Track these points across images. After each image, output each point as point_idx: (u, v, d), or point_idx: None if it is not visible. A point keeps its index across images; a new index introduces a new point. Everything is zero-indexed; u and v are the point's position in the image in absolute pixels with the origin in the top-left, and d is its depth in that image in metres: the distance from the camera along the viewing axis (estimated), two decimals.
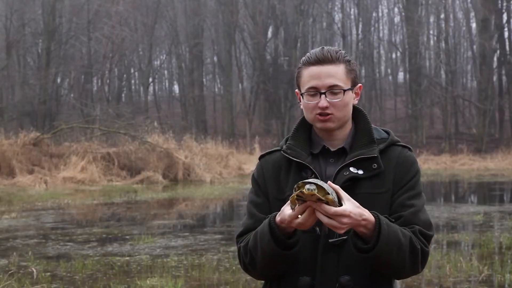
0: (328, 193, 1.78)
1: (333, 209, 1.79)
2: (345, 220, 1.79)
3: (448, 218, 11.33)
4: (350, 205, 1.81)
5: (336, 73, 2.00)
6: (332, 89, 1.99)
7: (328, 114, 2.00)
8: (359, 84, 2.08)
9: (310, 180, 1.80)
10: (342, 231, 1.83)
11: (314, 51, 2.04)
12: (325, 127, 2.02)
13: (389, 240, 1.85)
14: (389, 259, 1.86)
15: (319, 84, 2.00)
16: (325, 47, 2.04)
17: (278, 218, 1.89)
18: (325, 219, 1.80)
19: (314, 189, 1.76)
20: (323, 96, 1.99)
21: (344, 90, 2.00)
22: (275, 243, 1.89)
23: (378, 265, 1.89)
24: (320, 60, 2.00)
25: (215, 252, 8.34)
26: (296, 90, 2.09)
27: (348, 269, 1.93)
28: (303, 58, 2.06)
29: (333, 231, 1.94)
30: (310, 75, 2.01)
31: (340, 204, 1.81)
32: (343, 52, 2.04)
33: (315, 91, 2.01)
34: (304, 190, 1.76)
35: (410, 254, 1.90)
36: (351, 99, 2.04)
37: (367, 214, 1.84)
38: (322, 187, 1.77)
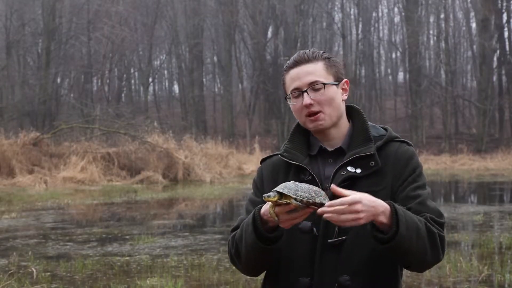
0: (294, 198, 1.77)
1: (338, 200, 1.76)
2: (358, 206, 1.76)
3: (448, 218, 11.33)
4: (358, 194, 1.79)
5: (314, 70, 2.02)
6: (313, 86, 2.01)
7: (316, 113, 2.01)
8: (345, 79, 2.09)
9: (279, 188, 1.80)
10: (362, 221, 1.78)
11: (293, 56, 2.08)
12: (316, 126, 2.03)
13: (408, 225, 1.83)
14: (411, 245, 1.84)
15: (299, 84, 2.02)
16: (302, 50, 2.08)
17: (263, 210, 1.90)
18: (339, 218, 1.76)
19: (269, 196, 1.78)
20: (305, 94, 2.01)
21: (325, 84, 2.01)
22: (256, 235, 1.89)
23: (401, 254, 1.86)
24: (298, 62, 2.04)
25: (215, 252, 8.34)
26: (286, 100, 2.11)
27: (347, 269, 1.93)
28: (284, 66, 2.10)
29: (332, 232, 1.94)
30: (291, 78, 2.05)
31: (321, 205, 1.79)
32: (322, 51, 2.07)
33: (298, 92, 2.03)
34: (264, 197, 1.80)
35: (428, 239, 1.87)
36: (336, 94, 2.04)
37: (383, 202, 1.82)
38: (286, 194, 1.78)
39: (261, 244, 1.90)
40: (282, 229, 1.91)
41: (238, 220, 2.09)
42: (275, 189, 1.80)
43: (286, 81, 2.07)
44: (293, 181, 1.85)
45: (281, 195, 1.80)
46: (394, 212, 1.82)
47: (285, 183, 1.82)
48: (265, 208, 1.88)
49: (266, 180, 2.10)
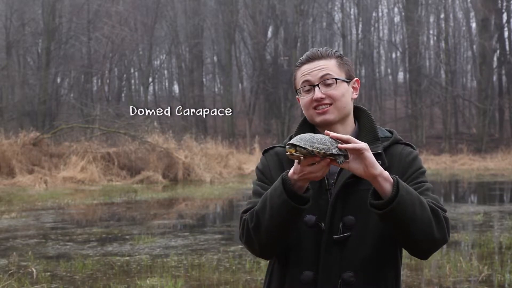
0: (311, 151, 1.76)
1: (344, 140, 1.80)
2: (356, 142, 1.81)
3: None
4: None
5: (327, 66, 2.04)
6: (324, 80, 2.03)
7: (327, 106, 2.02)
8: (356, 78, 2.11)
9: (295, 141, 1.78)
10: (361, 143, 1.80)
11: (306, 53, 2.10)
12: (324, 119, 2.03)
13: (409, 190, 1.83)
14: (414, 211, 1.82)
15: (311, 78, 2.04)
16: (314, 48, 2.10)
17: (291, 171, 1.88)
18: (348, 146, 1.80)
19: (290, 147, 1.78)
20: (316, 88, 2.03)
21: (337, 79, 2.03)
22: (287, 194, 1.86)
23: (405, 221, 1.83)
24: (311, 58, 2.07)
25: (215, 252, 8.34)
26: (297, 96, 2.12)
27: (351, 266, 1.94)
28: (297, 62, 2.12)
29: (336, 227, 1.95)
30: (303, 73, 2.07)
31: (338, 156, 1.79)
32: (334, 50, 2.09)
33: (309, 85, 2.04)
34: (288, 151, 1.79)
35: (432, 213, 1.87)
36: (347, 91, 2.06)
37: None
38: (303, 146, 1.76)
39: (292, 203, 1.86)
40: (311, 191, 1.90)
41: (249, 203, 2.06)
42: (292, 141, 1.78)
43: (297, 76, 2.09)
44: (309, 132, 1.84)
45: (296, 147, 1.78)
46: (395, 180, 1.83)
47: (301, 135, 1.81)
48: (294, 167, 1.86)
49: (272, 167, 2.09)
